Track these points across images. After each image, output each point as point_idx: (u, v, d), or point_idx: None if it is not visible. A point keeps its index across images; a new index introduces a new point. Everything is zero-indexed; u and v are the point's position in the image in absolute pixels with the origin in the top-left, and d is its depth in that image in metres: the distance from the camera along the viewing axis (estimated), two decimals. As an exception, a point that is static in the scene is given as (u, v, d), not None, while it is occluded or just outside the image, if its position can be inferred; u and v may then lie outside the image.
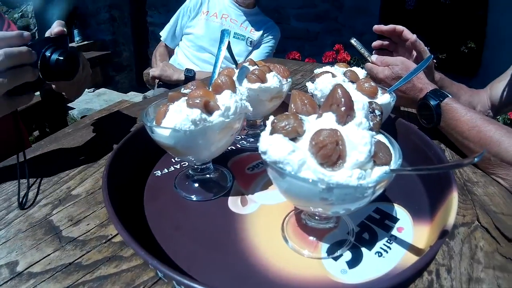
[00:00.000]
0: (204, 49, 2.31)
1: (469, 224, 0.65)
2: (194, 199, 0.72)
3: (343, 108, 0.48)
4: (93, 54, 4.89)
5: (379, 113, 0.56)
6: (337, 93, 0.48)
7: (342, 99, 0.48)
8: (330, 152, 0.44)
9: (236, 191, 0.74)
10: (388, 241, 0.61)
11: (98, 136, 1.03)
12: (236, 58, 2.17)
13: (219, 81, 0.65)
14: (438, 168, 0.59)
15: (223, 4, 2.33)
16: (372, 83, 0.78)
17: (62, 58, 0.76)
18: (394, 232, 0.63)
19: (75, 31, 7.83)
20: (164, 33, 2.42)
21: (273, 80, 0.81)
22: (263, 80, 0.80)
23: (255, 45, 2.34)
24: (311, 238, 0.61)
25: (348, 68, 0.85)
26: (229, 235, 0.62)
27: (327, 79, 0.78)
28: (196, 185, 0.75)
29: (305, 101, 0.53)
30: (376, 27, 1.19)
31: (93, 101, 4.23)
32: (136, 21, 7.28)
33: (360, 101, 0.50)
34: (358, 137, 0.45)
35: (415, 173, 0.73)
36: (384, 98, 0.77)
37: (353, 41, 1.17)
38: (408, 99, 1.04)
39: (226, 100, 0.62)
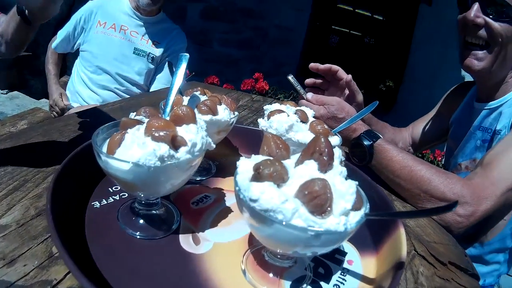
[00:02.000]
0: (103, 70, 2.12)
1: (408, 254, 0.75)
2: (144, 237, 0.68)
3: (325, 157, 0.52)
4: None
5: (343, 158, 0.62)
6: (320, 142, 0.53)
7: (326, 149, 0.52)
8: (323, 201, 0.47)
9: (185, 228, 0.73)
10: (342, 273, 0.67)
11: (23, 151, 0.94)
12: (135, 76, 2.14)
13: (181, 112, 0.63)
14: (411, 215, 0.70)
15: (120, 12, 2.13)
16: (325, 126, 0.83)
17: None
18: (345, 265, 0.69)
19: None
20: (55, 43, 2.24)
21: (224, 113, 0.82)
22: (214, 112, 0.80)
23: (158, 62, 2.21)
24: (271, 275, 0.63)
25: (298, 108, 0.89)
26: (189, 278, 0.60)
27: (283, 118, 0.81)
28: (142, 221, 0.71)
29: (280, 145, 0.57)
30: (312, 65, 1.25)
31: (5, 104, 3.98)
32: (62, 22, 6.80)
33: (336, 149, 0.55)
34: (345, 187, 0.50)
35: (386, 218, 0.79)
36: (335, 140, 0.82)
37: (290, 77, 1.22)
38: (341, 137, 1.13)
39: (192, 135, 0.61)
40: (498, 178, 1.01)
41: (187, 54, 0.81)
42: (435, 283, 0.70)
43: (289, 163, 0.54)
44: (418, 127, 1.65)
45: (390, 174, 1.05)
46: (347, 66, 3.91)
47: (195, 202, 0.82)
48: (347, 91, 1.28)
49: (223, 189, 0.87)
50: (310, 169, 0.51)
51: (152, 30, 2.16)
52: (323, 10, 4.43)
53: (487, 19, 1.17)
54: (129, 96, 2.13)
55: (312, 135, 0.78)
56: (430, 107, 1.67)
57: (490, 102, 1.31)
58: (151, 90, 2.20)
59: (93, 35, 2.11)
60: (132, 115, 0.68)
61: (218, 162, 0.98)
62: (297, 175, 0.51)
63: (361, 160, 1.09)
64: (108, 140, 0.61)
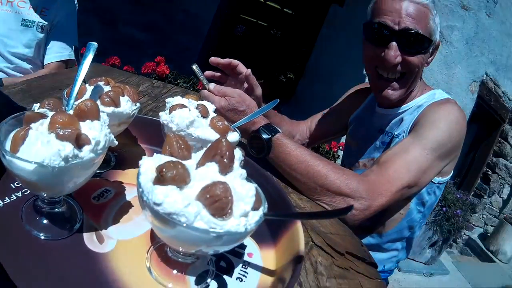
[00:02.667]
0: None
1: (306, 245, 0.79)
2: (48, 237, 0.65)
3: (226, 160, 0.55)
4: None
5: (243, 158, 0.64)
6: (222, 145, 0.55)
7: (227, 152, 0.55)
8: (224, 205, 0.50)
9: (88, 226, 0.71)
10: (243, 266, 0.71)
11: None
12: (24, 50, 1.97)
13: (84, 107, 0.62)
14: (308, 216, 0.75)
15: None
16: (225, 122, 0.85)
17: None
18: (246, 257, 0.73)
19: None
20: None
21: (126, 105, 0.81)
22: (116, 104, 0.79)
23: (48, 31, 2.01)
24: (175, 271, 0.64)
25: (199, 102, 0.89)
26: (97, 279, 0.60)
27: (185, 113, 0.80)
28: (46, 221, 0.68)
29: (182, 146, 0.58)
30: (212, 59, 1.27)
31: None
32: None
33: (237, 151, 0.58)
34: (245, 189, 0.53)
35: (283, 218, 0.83)
36: (234, 136, 0.84)
37: (194, 67, 1.21)
38: (240, 129, 1.15)
39: (96, 132, 0.60)
40: (394, 177, 1.10)
41: (95, 43, 0.78)
42: (334, 272, 0.75)
43: (190, 163, 0.56)
44: (317, 121, 1.72)
45: (287, 168, 1.09)
46: (251, 55, 4.02)
47: (96, 197, 0.79)
48: (246, 85, 1.31)
49: (123, 182, 0.85)
50: (211, 171, 0.54)
51: None
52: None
53: (405, 56, 1.23)
54: (21, 75, 1.93)
55: (212, 131, 0.81)
56: (328, 103, 1.76)
57: (394, 109, 1.39)
58: (45, 63, 2.01)
59: None
60: (36, 107, 0.65)
61: (118, 153, 0.95)
62: (199, 177, 0.53)
63: (259, 152, 1.12)
64: (11, 136, 0.58)
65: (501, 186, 7.46)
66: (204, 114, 0.84)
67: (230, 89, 1.16)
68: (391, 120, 1.39)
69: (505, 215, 7.68)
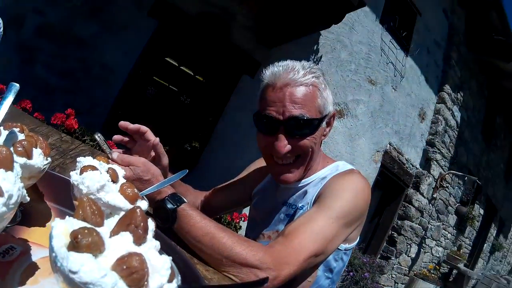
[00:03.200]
0: None
1: None
2: None
3: (140, 231, 0.54)
4: None
5: (154, 230, 0.65)
6: (136, 215, 0.55)
7: (142, 223, 0.55)
8: (141, 277, 0.50)
9: None
10: None
11: None
12: None
13: None
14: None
15: None
16: (135, 189, 0.82)
17: None
18: None
19: None
20: None
21: (38, 158, 0.76)
22: (29, 155, 0.74)
23: None
24: None
25: (110, 166, 0.88)
26: None
27: (96, 176, 0.78)
28: None
29: (96, 212, 0.57)
30: (122, 123, 1.23)
31: None
32: None
33: (150, 222, 0.59)
34: (160, 262, 0.52)
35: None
36: (143, 205, 0.83)
37: (97, 136, 1.18)
38: (147, 198, 1.06)
39: (9, 184, 0.55)
40: (300, 246, 1.11)
41: (17, 85, 0.76)
42: None
43: (104, 231, 0.55)
44: (220, 192, 1.73)
45: (192, 240, 1.08)
46: (159, 120, 4.13)
47: (1, 253, 0.74)
48: (153, 153, 1.29)
49: (29, 241, 0.79)
50: (125, 241, 0.53)
51: None
52: (149, 59, 4.55)
53: (295, 142, 1.26)
54: None
55: (121, 198, 0.79)
56: (230, 174, 1.82)
57: (297, 182, 1.39)
58: None
59: None
60: None
61: (23, 208, 0.88)
62: (113, 247, 0.52)
63: (164, 222, 1.10)
64: None
65: (408, 246, 7.92)
66: (114, 178, 0.83)
67: (134, 158, 1.14)
68: (294, 193, 1.41)
69: (415, 272, 8.19)
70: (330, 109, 1.33)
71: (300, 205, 1.37)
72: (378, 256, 7.62)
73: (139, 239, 0.54)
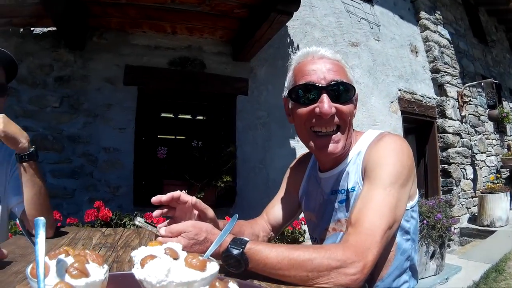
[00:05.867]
0: None
1: None
2: None
3: None
4: None
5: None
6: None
7: None
8: None
9: None
10: None
11: None
12: None
13: None
14: None
15: None
16: (199, 257, 0.80)
17: None
18: None
19: None
20: None
21: (95, 271, 0.75)
22: (86, 274, 0.73)
23: (7, 197, 1.81)
24: None
25: (164, 246, 0.85)
26: None
27: (158, 264, 0.77)
28: None
29: None
30: (154, 199, 1.21)
31: None
32: None
33: (232, 285, 0.58)
34: None
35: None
36: (214, 267, 0.80)
37: (137, 221, 1.16)
38: (213, 256, 1.06)
39: None
40: (372, 228, 1.10)
41: (43, 219, 0.74)
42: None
43: None
44: (272, 211, 1.69)
45: (271, 270, 1.05)
46: (182, 173, 3.98)
47: None
48: (195, 211, 1.27)
49: None
50: None
51: None
52: (146, 123, 4.50)
53: (337, 106, 1.26)
54: None
55: (191, 271, 0.77)
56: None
57: (336, 168, 1.39)
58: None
59: None
60: None
61: None
62: None
63: (238, 268, 1.06)
64: None
65: (463, 170, 7.70)
66: (175, 256, 0.81)
67: (181, 225, 1.12)
68: (337, 179, 1.39)
69: (480, 190, 7.98)
70: (355, 89, 1.33)
71: (350, 187, 1.34)
72: (441, 194, 7.35)
73: None
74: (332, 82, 1.25)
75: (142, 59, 4.58)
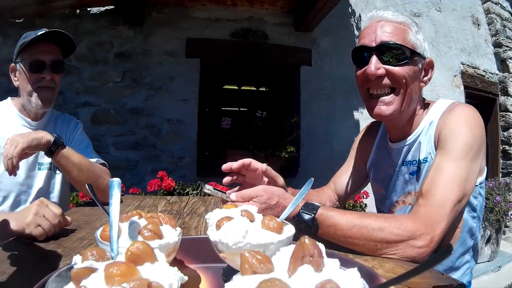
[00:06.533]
0: (6, 199, 1.78)
1: None
2: None
3: (318, 258, 0.50)
4: None
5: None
6: (307, 245, 0.51)
7: (315, 250, 0.51)
8: None
9: None
10: None
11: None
12: (55, 196, 1.83)
13: (137, 251, 0.54)
14: (414, 272, 0.55)
15: (11, 123, 1.81)
16: (277, 219, 0.78)
17: None
18: None
19: None
20: None
21: (170, 233, 0.76)
22: (160, 235, 0.74)
23: None
24: None
25: (241, 209, 0.83)
26: None
27: (236, 225, 0.75)
28: None
29: (261, 260, 0.53)
30: (224, 166, 1.21)
31: None
32: None
33: (320, 244, 0.53)
34: (349, 277, 0.48)
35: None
36: (291, 230, 0.78)
37: (206, 189, 1.15)
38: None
39: (163, 275, 0.52)
40: (442, 200, 1.08)
41: (118, 179, 0.75)
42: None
43: (280, 275, 0.50)
44: (339, 181, 1.67)
45: (341, 238, 1.05)
46: (246, 143, 3.92)
47: None
48: (265, 179, 1.26)
49: None
50: (307, 275, 0.49)
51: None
52: (209, 95, 4.48)
53: (387, 67, 1.24)
54: None
55: (267, 233, 0.75)
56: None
57: (407, 139, 1.36)
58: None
59: None
60: (78, 260, 0.58)
61: None
62: (297, 285, 0.47)
63: (308, 233, 0.99)
64: None
65: None
66: (252, 218, 0.80)
67: (252, 190, 1.10)
68: (409, 149, 1.36)
69: None
70: (426, 55, 1.30)
71: (422, 158, 1.31)
72: (500, 176, 6.93)
73: (319, 266, 0.50)
74: (382, 44, 1.24)
75: (203, 31, 4.54)
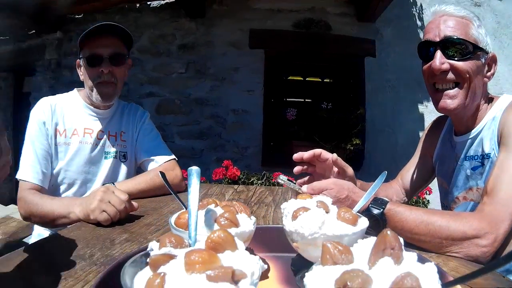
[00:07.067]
0: (71, 185, 1.81)
1: None
2: None
3: (398, 251, 0.51)
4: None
5: None
6: (388, 238, 0.52)
7: (396, 243, 0.51)
8: None
9: None
10: None
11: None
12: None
13: (219, 239, 0.55)
14: (485, 270, 0.54)
15: (78, 113, 1.84)
16: (352, 212, 0.79)
17: None
18: None
19: None
20: (29, 173, 1.67)
21: (245, 222, 0.78)
22: (236, 224, 0.75)
23: (131, 154, 1.93)
24: None
25: (317, 199, 0.84)
26: None
27: (312, 216, 0.75)
28: None
29: (342, 250, 0.54)
30: (296, 156, 1.25)
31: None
32: (20, 126, 6.53)
33: (400, 238, 0.54)
34: (427, 269, 0.48)
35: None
36: (365, 223, 0.78)
37: (280, 179, 1.19)
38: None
39: (246, 262, 0.52)
40: (507, 198, 1.06)
41: (197, 168, 0.75)
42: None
43: (361, 266, 0.51)
44: (407, 175, 1.68)
45: (408, 234, 1.05)
46: (312, 134, 3.90)
47: None
48: (335, 169, 1.29)
49: None
50: (387, 267, 0.50)
51: (115, 121, 1.92)
52: (274, 86, 4.49)
53: (451, 62, 1.25)
54: None
55: (343, 224, 0.75)
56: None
57: (470, 132, 1.36)
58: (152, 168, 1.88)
59: (58, 150, 1.77)
60: (155, 246, 0.58)
61: None
62: (378, 277, 0.48)
63: (376, 228, 1.02)
64: (137, 281, 0.53)
65: None
66: (327, 209, 0.80)
67: (323, 182, 1.12)
68: (471, 144, 1.35)
69: None
70: (488, 49, 1.30)
71: (486, 152, 1.29)
72: None
73: (399, 258, 0.51)
74: (446, 38, 1.25)
75: (266, 22, 4.54)
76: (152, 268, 0.53)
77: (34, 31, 5.57)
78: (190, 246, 0.61)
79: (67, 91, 1.90)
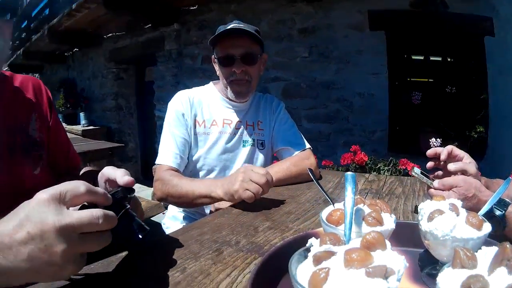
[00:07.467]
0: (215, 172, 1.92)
1: None
2: None
3: None
4: (106, 145, 4.91)
5: None
6: (508, 250, 0.56)
7: None
8: None
9: None
10: None
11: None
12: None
13: (372, 239, 0.62)
14: None
15: (216, 105, 1.93)
16: (479, 217, 0.81)
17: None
18: None
19: (81, 114, 8.18)
20: (167, 157, 1.77)
21: (388, 220, 0.82)
22: (381, 223, 0.80)
23: (268, 142, 2.01)
24: None
25: (449, 202, 0.87)
26: None
27: (447, 220, 0.80)
28: None
29: (470, 256, 0.60)
30: (429, 152, 1.27)
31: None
32: (142, 112, 7.56)
33: None
34: None
35: None
36: (488, 228, 0.80)
37: (414, 173, 1.23)
38: None
39: (393, 260, 0.58)
40: None
41: (353, 173, 0.81)
42: None
43: (481, 272, 0.57)
44: None
45: None
46: (437, 120, 3.98)
47: None
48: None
49: None
50: (503, 276, 0.55)
51: (252, 110, 2.01)
52: (397, 68, 4.38)
53: None
54: None
55: (470, 228, 0.79)
56: None
57: None
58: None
59: (197, 142, 1.89)
60: (315, 243, 0.66)
61: None
62: (494, 284, 0.54)
63: (495, 230, 1.00)
64: (300, 272, 0.62)
65: None
66: (458, 212, 0.83)
67: (453, 179, 1.14)
68: None
69: None
70: None
71: None
72: None
73: None
74: None
75: (383, 2, 4.33)
76: (315, 262, 0.60)
77: (150, 25, 6.04)
78: (345, 244, 0.66)
79: (190, 79, 2.09)
